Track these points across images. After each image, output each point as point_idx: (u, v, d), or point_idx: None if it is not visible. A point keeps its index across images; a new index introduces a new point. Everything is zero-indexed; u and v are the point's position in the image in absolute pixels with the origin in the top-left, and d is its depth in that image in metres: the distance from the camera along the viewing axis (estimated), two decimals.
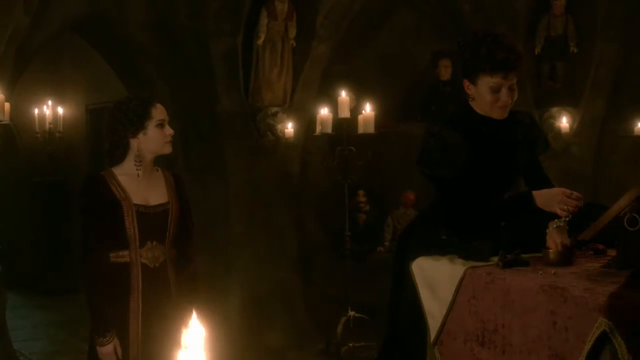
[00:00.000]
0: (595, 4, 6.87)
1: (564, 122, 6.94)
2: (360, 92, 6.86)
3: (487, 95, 3.02)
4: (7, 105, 4.64)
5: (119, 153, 3.17)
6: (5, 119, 4.70)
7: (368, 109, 6.01)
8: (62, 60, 9.12)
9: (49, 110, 9.00)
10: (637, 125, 6.61)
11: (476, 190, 3.06)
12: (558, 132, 6.94)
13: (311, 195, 7.30)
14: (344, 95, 6.02)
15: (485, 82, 3.00)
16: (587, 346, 2.22)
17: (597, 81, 7.05)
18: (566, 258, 2.78)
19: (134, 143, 3.14)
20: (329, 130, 6.09)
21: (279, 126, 6.63)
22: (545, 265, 2.74)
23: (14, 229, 9.35)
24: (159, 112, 3.15)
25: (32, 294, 8.85)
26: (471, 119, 3.12)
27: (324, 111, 6.09)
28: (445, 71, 7.34)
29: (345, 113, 6.03)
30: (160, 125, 3.15)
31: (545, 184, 3.17)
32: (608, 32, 6.90)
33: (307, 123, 6.87)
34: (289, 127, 6.65)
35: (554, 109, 7.02)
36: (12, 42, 5.33)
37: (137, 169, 3.15)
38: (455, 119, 3.19)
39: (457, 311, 2.84)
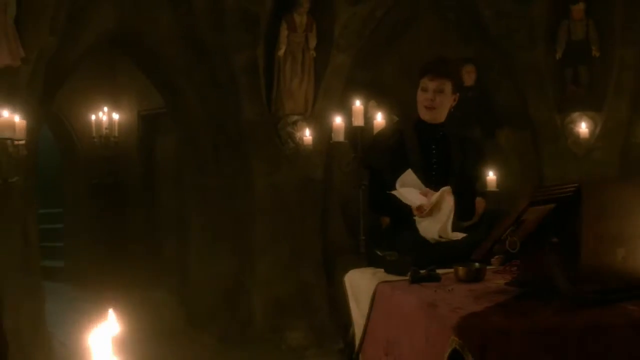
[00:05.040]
0: (614, 7, 6.78)
1: (583, 127, 6.88)
2: (384, 100, 6.99)
3: None
4: (23, 123, 4.96)
5: None
6: (22, 137, 4.93)
7: (379, 118, 6.15)
8: (117, 70, 9.59)
9: (105, 116, 9.53)
10: None
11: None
12: (577, 138, 6.90)
13: (336, 199, 7.48)
14: (358, 104, 6.17)
15: None
16: None
17: (620, 85, 6.96)
18: (475, 275, 2.92)
19: None
20: (341, 138, 6.26)
21: (298, 134, 6.86)
22: (455, 282, 2.89)
23: (76, 229, 9.98)
24: None
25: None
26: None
27: (338, 120, 6.28)
28: (468, 77, 7.38)
29: (359, 121, 6.17)
30: None
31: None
32: (628, 36, 6.81)
33: (330, 130, 7.05)
34: (307, 135, 6.88)
35: (575, 114, 6.97)
36: (41, 61, 5.69)
37: None
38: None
39: (372, 323, 3.03)
